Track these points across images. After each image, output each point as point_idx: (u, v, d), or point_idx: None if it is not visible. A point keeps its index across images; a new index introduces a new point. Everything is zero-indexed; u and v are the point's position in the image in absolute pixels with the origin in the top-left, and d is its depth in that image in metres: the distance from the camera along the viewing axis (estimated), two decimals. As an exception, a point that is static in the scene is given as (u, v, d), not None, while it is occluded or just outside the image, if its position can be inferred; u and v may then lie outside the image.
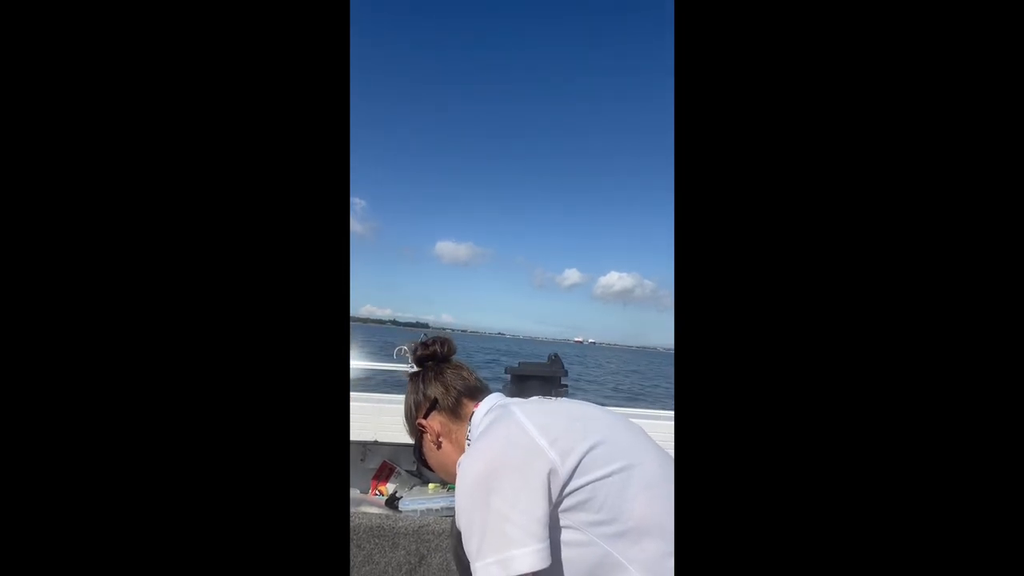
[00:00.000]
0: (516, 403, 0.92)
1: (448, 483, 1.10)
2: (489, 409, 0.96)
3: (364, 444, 1.54)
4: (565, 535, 0.80)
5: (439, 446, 1.01)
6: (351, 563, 1.30)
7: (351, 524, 1.31)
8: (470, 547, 0.78)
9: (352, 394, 1.50)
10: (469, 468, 0.80)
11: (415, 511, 1.38)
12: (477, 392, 1.03)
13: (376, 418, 1.45)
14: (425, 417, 1.01)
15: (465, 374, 1.05)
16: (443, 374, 1.04)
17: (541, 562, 0.75)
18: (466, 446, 0.97)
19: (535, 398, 0.96)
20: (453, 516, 1.30)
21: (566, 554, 0.80)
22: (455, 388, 1.03)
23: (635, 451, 0.84)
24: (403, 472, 1.53)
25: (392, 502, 1.41)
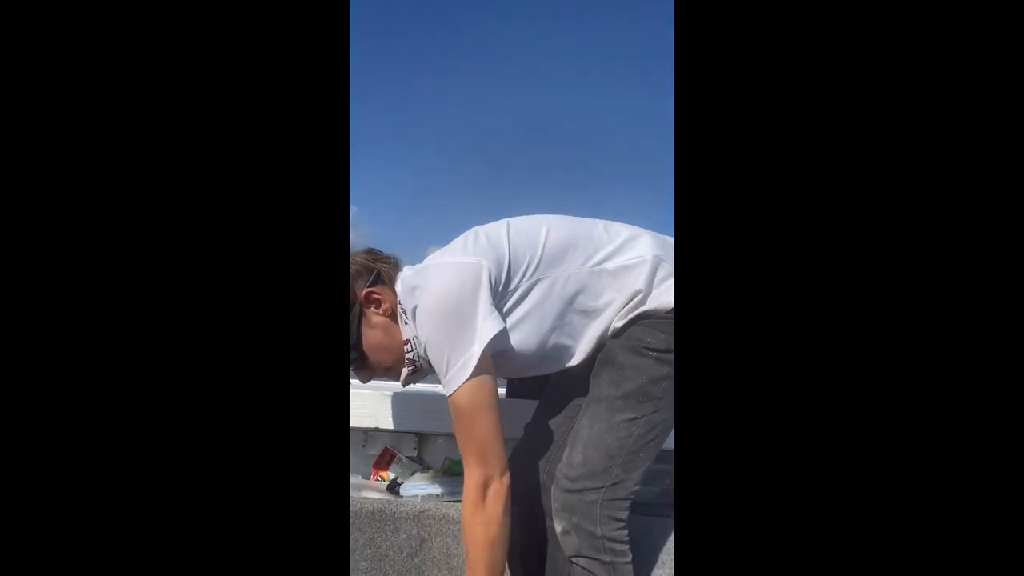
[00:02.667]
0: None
1: (395, 379, 1.12)
2: (412, 273, 1.03)
3: (365, 431, 1.56)
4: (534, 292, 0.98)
5: (395, 319, 1.03)
6: (353, 547, 1.32)
7: (353, 509, 1.33)
8: (443, 370, 0.94)
9: (355, 381, 1.51)
10: (425, 308, 0.94)
11: (416, 496, 1.40)
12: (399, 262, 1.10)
13: (377, 405, 1.46)
14: (371, 286, 1.03)
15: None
16: (358, 255, 1.07)
17: (493, 329, 0.91)
18: (399, 311, 1.03)
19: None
20: (449, 499, 1.32)
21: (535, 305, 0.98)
22: (384, 254, 1.08)
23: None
24: (404, 459, 1.55)
25: (393, 487, 1.43)
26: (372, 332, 1.03)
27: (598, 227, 1.04)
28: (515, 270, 0.97)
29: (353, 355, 1.05)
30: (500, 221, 1.05)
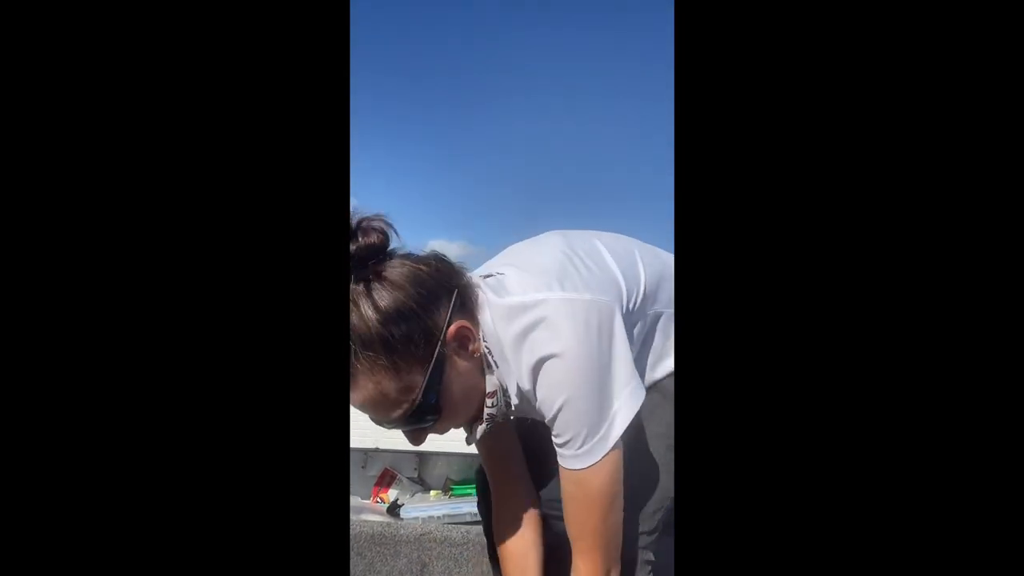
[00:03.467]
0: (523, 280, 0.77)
1: (453, 427, 0.81)
2: (512, 306, 0.74)
3: (365, 451, 1.54)
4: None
5: (480, 363, 0.75)
6: (353, 572, 1.29)
7: (353, 532, 1.30)
8: (583, 431, 0.72)
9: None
10: (568, 362, 0.71)
11: (417, 518, 1.37)
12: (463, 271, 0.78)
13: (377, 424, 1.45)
14: (449, 324, 0.72)
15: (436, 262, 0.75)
16: (423, 262, 0.74)
17: (639, 393, 0.74)
18: (483, 348, 0.75)
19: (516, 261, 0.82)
20: (454, 520, 1.30)
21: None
22: (458, 267, 0.77)
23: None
24: (404, 479, 1.53)
25: (394, 509, 1.41)
26: (458, 382, 0.74)
27: (660, 256, 0.91)
28: (627, 308, 0.79)
29: (429, 418, 0.74)
30: (585, 234, 0.87)
